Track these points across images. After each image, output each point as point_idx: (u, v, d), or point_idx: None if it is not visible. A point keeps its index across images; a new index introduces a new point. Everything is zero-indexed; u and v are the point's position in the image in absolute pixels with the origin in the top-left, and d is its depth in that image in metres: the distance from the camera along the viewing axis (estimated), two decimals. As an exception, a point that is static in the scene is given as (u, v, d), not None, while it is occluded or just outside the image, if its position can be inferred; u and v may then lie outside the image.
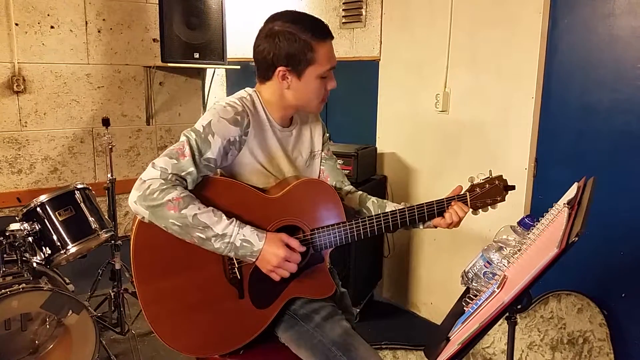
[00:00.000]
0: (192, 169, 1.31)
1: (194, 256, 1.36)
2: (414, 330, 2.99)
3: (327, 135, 1.72)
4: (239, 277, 1.42)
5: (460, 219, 1.49)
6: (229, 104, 1.41)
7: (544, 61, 2.41)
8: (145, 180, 1.29)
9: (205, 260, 1.38)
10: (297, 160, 1.57)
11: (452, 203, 1.49)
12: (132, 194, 1.28)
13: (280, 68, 1.41)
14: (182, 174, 1.31)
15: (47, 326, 2.38)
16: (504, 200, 1.51)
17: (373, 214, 1.62)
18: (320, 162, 1.66)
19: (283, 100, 1.47)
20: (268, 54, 1.41)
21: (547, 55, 2.40)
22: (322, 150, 1.65)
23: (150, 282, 1.36)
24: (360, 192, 1.70)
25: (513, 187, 1.51)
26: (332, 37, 1.46)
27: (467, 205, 1.50)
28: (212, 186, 1.38)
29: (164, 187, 1.27)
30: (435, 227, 1.54)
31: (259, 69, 1.48)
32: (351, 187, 1.71)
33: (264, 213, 1.41)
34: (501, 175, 1.51)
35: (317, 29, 1.42)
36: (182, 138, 1.35)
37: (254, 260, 1.34)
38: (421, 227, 1.55)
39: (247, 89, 1.51)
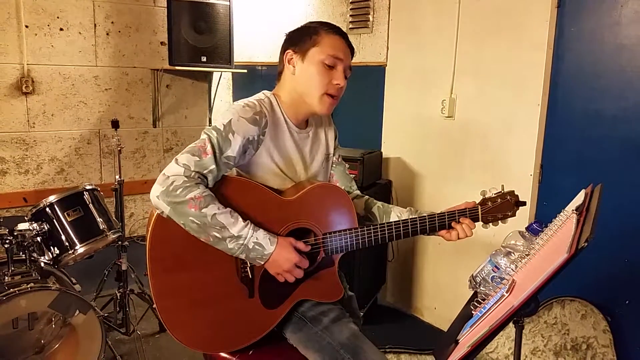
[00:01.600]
0: (213, 166, 1.34)
1: (207, 253, 1.38)
2: (417, 334, 3.00)
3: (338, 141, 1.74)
4: (250, 277, 1.44)
5: (467, 237, 1.51)
6: (247, 104, 1.44)
7: (550, 69, 2.43)
8: (168, 176, 1.31)
9: (218, 258, 1.39)
10: (313, 162, 1.59)
11: (461, 220, 1.51)
12: (155, 188, 1.31)
13: (288, 50, 1.51)
14: (204, 171, 1.33)
15: (53, 326, 2.39)
16: (515, 215, 1.53)
17: (377, 219, 1.66)
18: (331, 166, 1.68)
19: (294, 95, 1.50)
20: (282, 46, 1.53)
21: (553, 62, 2.42)
22: (333, 155, 1.67)
23: (164, 275, 1.39)
24: (366, 198, 1.72)
25: (524, 203, 1.53)
26: (344, 37, 1.51)
27: (478, 218, 1.52)
28: (229, 185, 1.40)
29: (187, 184, 1.29)
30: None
31: (278, 67, 1.55)
32: (358, 192, 1.74)
33: (279, 214, 1.44)
34: (513, 191, 1.53)
35: (329, 24, 1.52)
36: (203, 136, 1.37)
37: (262, 263, 1.37)
38: (425, 234, 1.57)
39: (265, 91, 1.54)
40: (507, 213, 1.52)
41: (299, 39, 1.49)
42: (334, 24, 1.54)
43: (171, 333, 1.41)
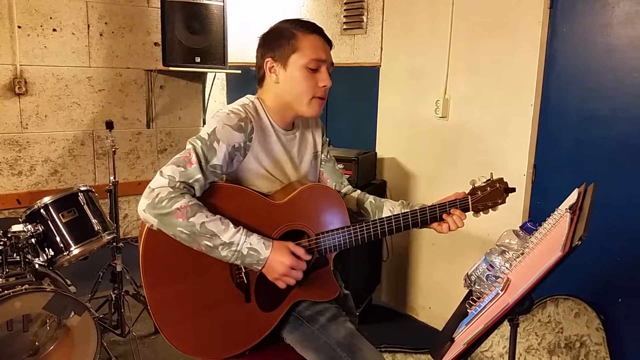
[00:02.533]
0: (199, 176, 1.32)
1: (201, 261, 1.38)
2: (412, 334, 3.01)
3: (327, 138, 1.74)
4: (245, 282, 1.44)
5: (458, 228, 1.52)
6: (232, 110, 1.42)
7: (543, 69, 2.45)
8: (153, 189, 1.30)
9: (212, 266, 1.39)
10: (302, 162, 1.59)
11: (452, 211, 1.51)
12: (141, 202, 1.30)
13: (267, 59, 1.47)
14: (190, 181, 1.32)
15: (48, 327, 2.38)
16: (505, 202, 1.53)
17: (370, 214, 1.67)
18: (320, 163, 1.69)
19: (279, 101, 1.49)
20: (259, 52, 1.50)
21: (546, 63, 2.44)
22: (321, 152, 1.68)
23: (159, 287, 1.38)
24: (357, 193, 1.73)
25: (514, 190, 1.53)
26: (320, 34, 1.48)
27: (468, 208, 1.52)
28: (218, 193, 1.39)
29: (172, 195, 1.28)
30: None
31: (257, 72, 1.53)
32: (349, 187, 1.74)
33: (270, 218, 1.43)
34: (502, 178, 1.53)
35: (302, 23, 1.48)
36: (188, 146, 1.36)
37: (259, 268, 1.36)
38: (417, 228, 1.57)
39: (249, 95, 1.53)
40: (497, 200, 1.52)
41: (277, 45, 1.46)
42: (314, 22, 1.51)
43: (170, 343, 1.41)
